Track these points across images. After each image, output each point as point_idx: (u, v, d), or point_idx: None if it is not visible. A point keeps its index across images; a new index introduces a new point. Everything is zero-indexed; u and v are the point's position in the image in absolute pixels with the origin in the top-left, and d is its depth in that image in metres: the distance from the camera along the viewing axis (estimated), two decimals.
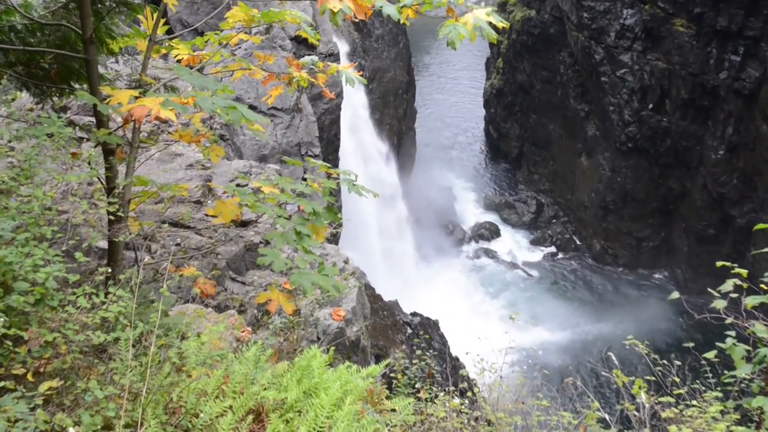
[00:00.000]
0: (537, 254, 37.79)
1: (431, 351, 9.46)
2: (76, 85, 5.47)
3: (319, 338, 8.08)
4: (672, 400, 5.68)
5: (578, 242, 38.41)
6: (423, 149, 43.18)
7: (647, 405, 4.83)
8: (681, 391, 5.80)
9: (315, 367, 4.08)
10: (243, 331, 6.18)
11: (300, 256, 5.21)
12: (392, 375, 8.08)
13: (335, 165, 22.16)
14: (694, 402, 5.53)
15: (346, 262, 10.24)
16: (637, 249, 35.61)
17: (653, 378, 6.21)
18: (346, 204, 22.90)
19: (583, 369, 26.84)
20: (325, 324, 8.29)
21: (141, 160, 5.92)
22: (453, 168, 45.00)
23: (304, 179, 5.96)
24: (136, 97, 4.43)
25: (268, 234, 5.61)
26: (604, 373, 5.65)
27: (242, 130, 17.29)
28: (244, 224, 8.83)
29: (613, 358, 5.22)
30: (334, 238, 17.52)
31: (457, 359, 16.15)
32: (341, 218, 10.90)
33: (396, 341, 17.42)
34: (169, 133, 10.09)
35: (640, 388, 5.39)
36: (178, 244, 7.86)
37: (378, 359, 12.04)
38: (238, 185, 9.59)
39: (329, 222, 8.91)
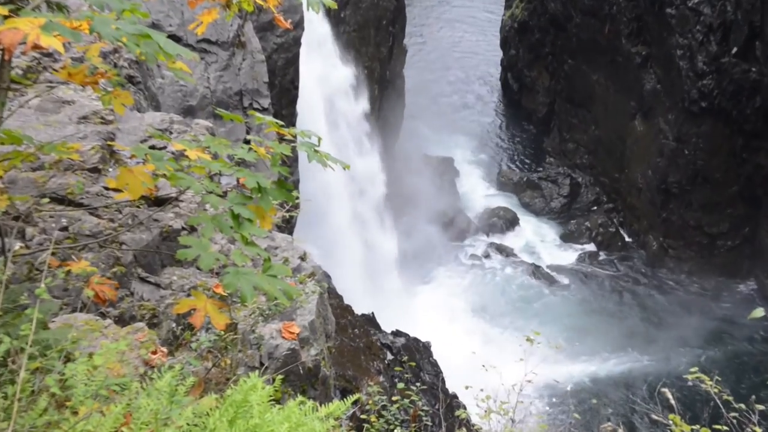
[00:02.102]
0: (569, 254, 38.15)
1: (419, 384, 9.52)
2: None
3: (262, 363, 8.07)
4: None
5: (627, 239, 38.79)
6: (414, 104, 43.23)
7: None
8: None
9: (254, 404, 4.07)
10: (155, 352, 6.15)
11: (238, 249, 5.19)
12: (364, 416, 8.11)
13: (291, 123, 22.09)
14: None
15: (302, 258, 10.22)
16: (709, 250, 36.01)
17: (725, 428, 6.28)
18: (306, 178, 22.88)
19: (628, 412, 27.20)
20: (272, 344, 8.28)
21: (12, 107, 5.84)
22: (455, 131, 45.17)
23: (247, 141, 5.94)
24: (5, 17, 4.34)
25: (194, 217, 5.58)
26: (656, 417, 5.70)
27: (160, 71, 17.14)
28: (160, 203, 8.75)
29: (669, 396, 5.25)
30: (287, 226, 17.47)
31: (454, 396, 16.26)
32: (298, 198, 10.86)
33: (370, 370, 17.49)
34: (54, 70, 9.95)
35: None
36: (64, 229, 7.78)
37: (345, 394, 12.07)
38: (152, 147, 9.50)
39: (280, 202, 8.85)
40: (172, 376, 4.15)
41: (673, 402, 5.30)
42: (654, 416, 5.69)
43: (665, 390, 5.25)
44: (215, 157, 5.92)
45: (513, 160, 44.47)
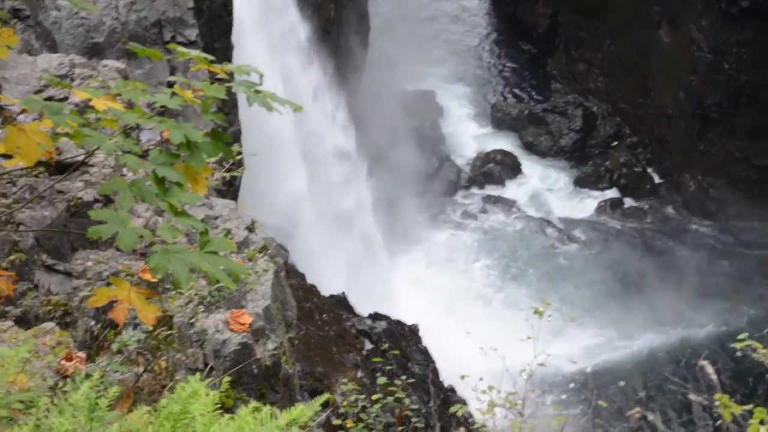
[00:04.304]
0: (586, 204, 38.34)
1: (405, 377, 9.59)
2: None
3: (207, 364, 8.10)
4: None
5: (658, 180, 39.00)
6: (382, 23, 42.91)
7: None
8: None
9: (197, 415, 4.09)
10: (69, 358, 6.15)
11: (167, 222, 5.18)
12: (338, 422, 8.17)
13: (226, 58, 21.90)
14: None
15: (250, 229, 10.22)
16: (760, 187, 36.14)
17: None
18: (250, 127, 22.77)
19: (664, 394, 27.52)
20: (218, 339, 8.31)
21: None
22: (436, 57, 44.98)
23: (170, 85, 5.89)
24: None
25: (107, 185, 5.54)
26: (694, 398, 5.77)
27: (54, 1, 16.95)
28: (64, 169, 8.70)
29: (710, 371, 5.31)
30: (229, 189, 17.43)
31: (451, 390, 16.43)
32: (240, 153, 10.82)
33: (345, 364, 17.63)
34: None
35: (762, 422, 5.53)
36: None
37: (315, 396, 12.13)
38: (49, 99, 9.42)
39: (218, 160, 8.82)
40: (89, 386, 4.15)
41: (714, 377, 5.35)
42: (692, 397, 5.76)
43: (705, 363, 5.29)
44: (130, 106, 5.86)
45: (510, 90, 44.40)
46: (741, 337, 6.31)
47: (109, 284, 7.70)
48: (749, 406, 5.77)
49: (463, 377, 8.67)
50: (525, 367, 6.84)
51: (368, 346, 19.23)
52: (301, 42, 32.09)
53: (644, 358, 30.49)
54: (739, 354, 6.40)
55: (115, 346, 6.57)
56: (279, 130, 26.79)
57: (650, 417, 5.63)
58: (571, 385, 24.63)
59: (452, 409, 7.99)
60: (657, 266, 34.98)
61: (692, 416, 25.75)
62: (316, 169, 31.24)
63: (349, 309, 21.22)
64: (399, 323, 21.18)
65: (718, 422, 5.77)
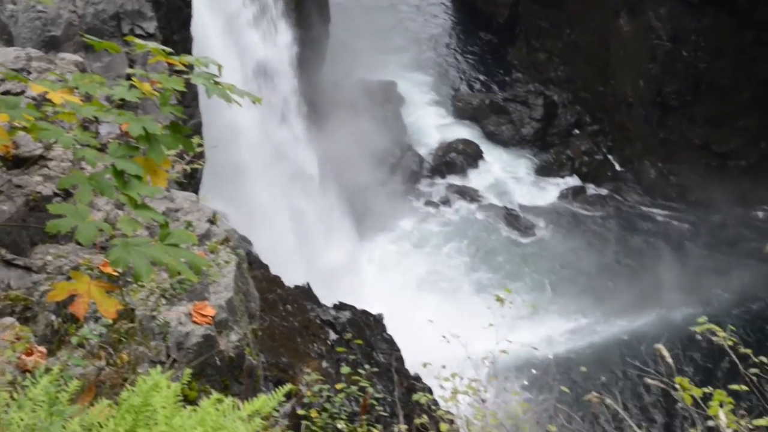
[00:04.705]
0: (548, 192, 38.52)
1: (369, 366, 9.61)
2: None
3: (170, 356, 8.09)
4: None
5: (619, 167, 39.22)
6: (341, 12, 42.72)
7: None
8: None
9: (158, 407, 4.08)
10: (29, 353, 6.12)
11: (127, 215, 5.16)
12: (303, 412, 8.18)
13: (185, 50, 21.80)
14: None
15: (212, 221, 10.19)
16: (719, 173, 36.43)
17: (743, 388, 6.45)
18: (211, 119, 22.71)
19: (625, 379, 27.73)
20: (181, 332, 8.29)
21: None
22: (396, 46, 44.94)
23: (129, 78, 5.86)
24: None
25: (66, 178, 5.53)
26: (651, 382, 5.83)
27: None
28: (22, 163, 8.65)
29: (666, 354, 5.36)
30: (191, 182, 17.35)
31: (416, 378, 16.47)
32: (201, 145, 10.79)
33: (310, 354, 17.65)
34: None
35: (721, 405, 5.58)
36: None
37: (280, 386, 12.15)
38: (5, 93, 9.36)
39: (179, 152, 8.77)
40: (49, 381, 4.12)
41: (670, 361, 5.41)
42: (649, 381, 5.82)
43: (661, 347, 5.35)
44: (88, 99, 5.82)
45: (471, 80, 44.46)
46: (700, 320, 6.37)
47: (69, 278, 7.67)
48: (708, 389, 5.84)
49: (425, 365, 8.71)
50: (488, 354, 6.88)
51: (333, 336, 19.24)
52: (262, 22, 31.96)
53: (606, 343, 30.69)
54: (698, 337, 6.46)
55: (74, 340, 6.54)
56: (241, 122, 26.76)
57: (608, 401, 5.69)
58: (534, 372, 24.78)
59: (415, 397, 8.03)
60: (618, 253, 35.23)
61: (652, 400, 25.97)
62: (279, 155, 31.16)
63: (314, 299, 21.22)
64: (364, 313, 21.20)
65: (681, 403, 5.83)
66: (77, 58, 11.80)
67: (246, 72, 29.01)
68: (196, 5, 24.78)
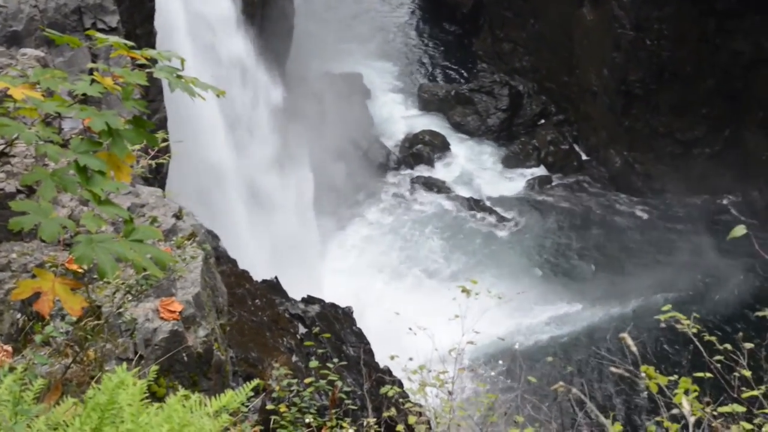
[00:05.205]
0: (515, 182, 38.53)
1: (339, 359, 9.61)
2: None
3: (137, 353, 8.05)
4: (741, 408, 5.96)
5: (585, 156, 39.32)
6: (305, 2, 42.54)
7: (693, 419, 5.07)
8: (756, 392, 6.09)
9: (124, 405, 4.05)
10: None
11: (90, 211, 5.12)
12: (272, 407, 8.16)
13: (149, 44, 21.66)
14: None
15: (178, 216, 10.14)
16: (683, 160, 36.61)
17: (708, 375, 6.50)
18: (176, 113, 22.55)
19: (593, 369, 27.84)
20: (148, 328, 8.24)
21: None
22: (360, 38, 44.84)
23: (91, 72, 5.81)
24: None
25: (29, 175, 5.46)
26: (616, 370, 5.85)
27: None
28: None
29: (630, 343, 5.36)
30: (156, 177, 17.25)
31: (386, 371, 16.47)
32: (166, 139, 10.71)
33: (279, 349, 17.60)
34: None
35: (686, 392, 5.59)
36: None
37: (249, 381, 12.11)
38: None
39: (143, 147, 8.71)
40: (13, 379, 4.09)
41: (634, 349, 5.42)
42: (614, 369, 5.84)
43: (625, 336, 5.35)
44: (49, 94, 5.76)
45: (436, 71, 44.43)
46: (664, 308, 6.39)
47: (33, 276, 7.61)
48: (674, 377, 5.87)
49: (392, 357, 8.71)
50: (455, 346, 6.88)
51: (302, 330, 19.19)
52: (229, 28, 31.85)
53: (572, 333, 30.76)
54: (663, 326, 6.49)
55: (39, 338, 6.49)
56: (206, 116, 26.61)
57: (574, 390, 5.70)
58: (501, 362, 24.86)
59: (383, 390, 8.02)
60: (585, 242, 35.32)
61: (617, 388, 26.09)
62: (245, 154, 31.08)
63: (282, 293, 21.17)
64: (333, 306, 21.16)
65: (646, 391, 5.85)
66: (39, 53, 11.70)
67: (213, 67, 28.85)
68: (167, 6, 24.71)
